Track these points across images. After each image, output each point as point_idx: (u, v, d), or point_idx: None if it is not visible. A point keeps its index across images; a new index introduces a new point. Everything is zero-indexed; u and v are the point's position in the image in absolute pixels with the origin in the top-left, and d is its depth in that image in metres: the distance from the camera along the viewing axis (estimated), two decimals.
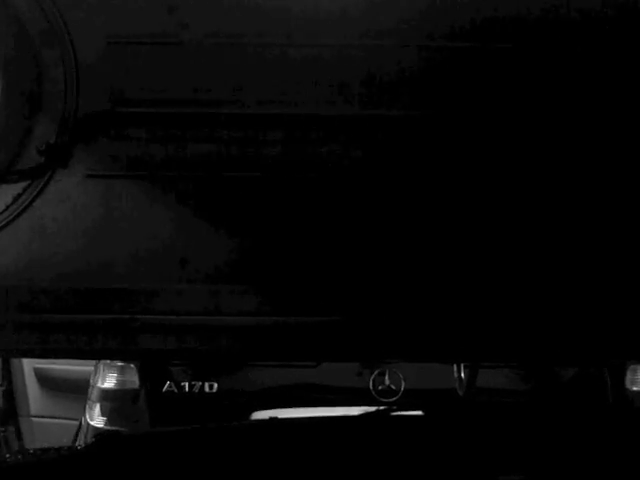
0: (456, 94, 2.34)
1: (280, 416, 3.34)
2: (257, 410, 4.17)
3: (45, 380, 6.17)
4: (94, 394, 4.54)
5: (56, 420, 5.99)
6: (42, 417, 6.20)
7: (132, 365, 4.45)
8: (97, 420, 4.51)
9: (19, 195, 2.36)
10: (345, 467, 2.34)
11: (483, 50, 2.34)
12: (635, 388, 4.27)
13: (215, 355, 2.50)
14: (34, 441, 6.05)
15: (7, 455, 2.42)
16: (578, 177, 2.35)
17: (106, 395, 4.49)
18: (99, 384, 4.51)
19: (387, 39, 2.33)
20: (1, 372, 6.23)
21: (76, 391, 5.34)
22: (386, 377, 4.15)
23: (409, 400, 4.10)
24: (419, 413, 3.46)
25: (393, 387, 4.16)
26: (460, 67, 2.34)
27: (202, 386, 4.31)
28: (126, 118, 2.35)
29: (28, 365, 6.16)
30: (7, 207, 2.36)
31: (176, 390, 4.35)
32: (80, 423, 4.69)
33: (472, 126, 2.35)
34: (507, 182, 2.36)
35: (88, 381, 4.65)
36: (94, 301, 2.37)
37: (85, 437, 4.49)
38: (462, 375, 3.29)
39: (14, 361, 6.21)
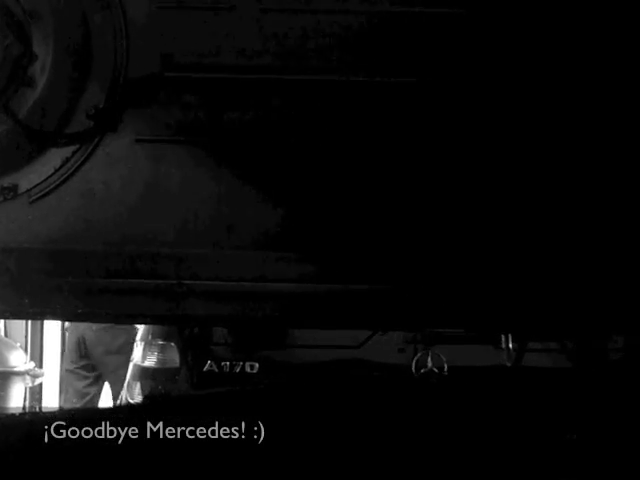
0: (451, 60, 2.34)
1: None
2: None
3: None
4: (135, 372, 4.54)
5: None
6: None
7: (173, 344, 4.44)
8: (137, 398, 4.51)
9: (68, 159, 2.37)
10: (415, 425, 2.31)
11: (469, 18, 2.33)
12: None
13: (260, 322, 2.49)
14: None
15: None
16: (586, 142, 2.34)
17: (146, 373, 4.49)
18: (140, 362, 4.51)
19: None
20: None
21: None
22: (428, 359, 4.12)
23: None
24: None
25: (435, 369, 4.13)
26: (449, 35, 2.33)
27: (243, 366, 4.29)
28: (175, 83, 2.35)
29: None
30: (56, 170, 2.37)
31: (217, 369, 4.33)
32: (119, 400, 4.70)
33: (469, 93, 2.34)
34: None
35: None
36: (141, 266, 2.37)
37: None
38: (510, 346, 3.27)
39: None
